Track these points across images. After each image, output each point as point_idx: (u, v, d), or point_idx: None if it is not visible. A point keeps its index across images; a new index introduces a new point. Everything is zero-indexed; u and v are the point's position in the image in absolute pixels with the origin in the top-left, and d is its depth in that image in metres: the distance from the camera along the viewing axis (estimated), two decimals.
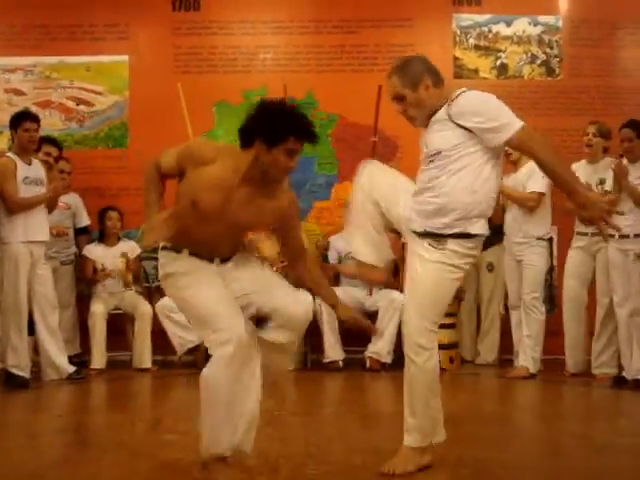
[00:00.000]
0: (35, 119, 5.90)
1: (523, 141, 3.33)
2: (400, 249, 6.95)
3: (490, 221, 6.51)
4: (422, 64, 3.52)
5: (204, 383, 3.13)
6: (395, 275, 6.97)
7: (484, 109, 3.32)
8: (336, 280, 7.03)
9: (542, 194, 6.21)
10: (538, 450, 3.85)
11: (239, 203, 3.20)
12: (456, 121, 3.32)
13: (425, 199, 3.38)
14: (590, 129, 6.20)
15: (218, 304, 3.16)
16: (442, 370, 6.39)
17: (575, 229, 6.26)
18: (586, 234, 6.15)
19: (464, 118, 3.31)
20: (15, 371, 5.64)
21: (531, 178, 6.19)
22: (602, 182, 6.12)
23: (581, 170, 6.14)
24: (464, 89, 3.45)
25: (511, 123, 3.31)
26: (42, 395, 5.55)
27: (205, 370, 3.15)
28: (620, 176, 5.77)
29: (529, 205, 6.20)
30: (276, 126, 3.16)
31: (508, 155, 6.29)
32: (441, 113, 3.39)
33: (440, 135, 3.38)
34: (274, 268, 6.79)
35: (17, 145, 5.86)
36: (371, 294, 6.71)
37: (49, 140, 6.43)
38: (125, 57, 7.53)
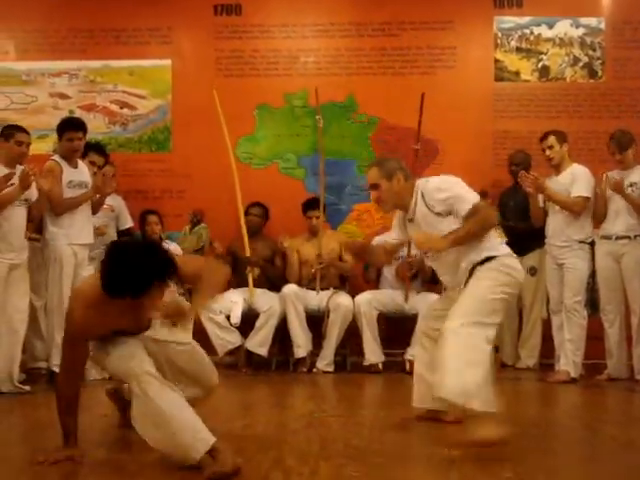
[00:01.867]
0: (79, 127, 5.95)
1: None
2: None
3: (532, 224, 6.55)
4: (397, 163, 4.40)
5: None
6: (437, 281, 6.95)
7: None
8: (377, 281, 7.05)
9: (588, 199, 6.17)
10: (580, 454, 3.82)
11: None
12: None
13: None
14: (612, 148, 6.17)
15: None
16: None
17: (600, 233, 6.22)
18: (610, 237, 6.12)
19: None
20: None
21: (576, 183, 6.16)
22: (632, 185, 6.08)
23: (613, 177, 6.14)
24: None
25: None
26: (86, 395, 5.56)
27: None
28: None
29: (575, 209, 6.15)
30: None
31: (550, 159, 6.27)
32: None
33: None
34: (312, 270, 6.83)
35: (61, 152, 5.95)
36: (407, 300, 6.69)
37: (96, 147, 6.50)
38: (168, 61, 7.62)
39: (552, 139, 6.25)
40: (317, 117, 7.17)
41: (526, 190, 6.32)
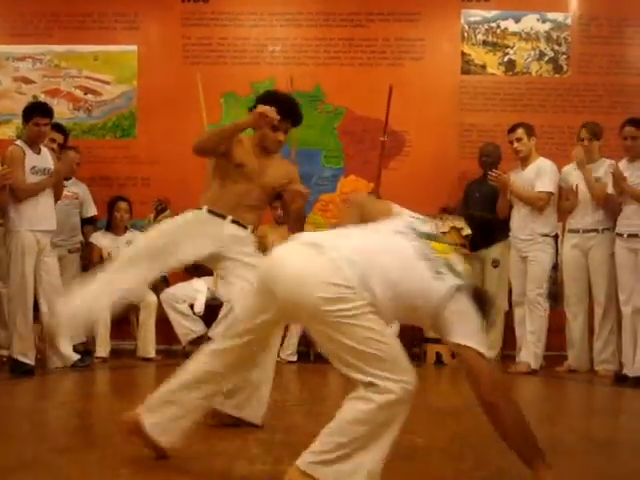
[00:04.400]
0: (47, 113, 5.87)
1: None
2: None
3: (496, 217, 6.60)
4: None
5: None
6: None
7: None
8: None
9: (551, 194, 6.23)
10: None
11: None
12: None
13: None
14: (584, 134, 6.20)
15: None
16: (443, 365, 6.47)
17: (567, 226, 6.30)
18: (578, 231, 6.19)
19: None
20: (21, 358, 5.68)
21: (539, 178, 6.21)
22: (597, 180, 6.15)
23: (575, 171, 6.20)
24: None
25: None
26: (47, 382, 5.59)
27: None
28: (619, 180, 5.81)
29: (538, 205, 6.21)
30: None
31: (518, 152, 6.31)
32: None
33: None
34: None
35: (26, 136, 5.87)
36: None
37: (55, 126, 6.41)
38: (134, 47, 7.56)
39: (521, 131, 6.29)
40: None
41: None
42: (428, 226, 2.99)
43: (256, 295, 2.94)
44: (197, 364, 3.16)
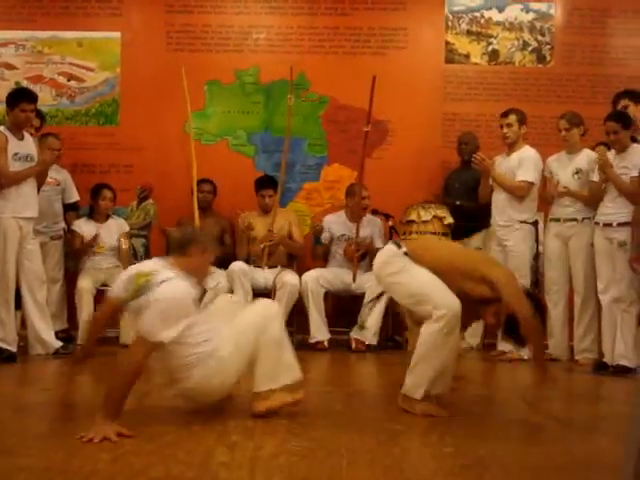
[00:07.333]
0: (33, 99, 5.83)
1: None
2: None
3: (478, 204, 6.61)
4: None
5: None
6: None
7: None
8: (325, 260, 7.07)
9: (532, 184, 6.25)
10: (520, 431, 3.90)
11: None
12: None
13: None
14: (562, 125, 6.23)
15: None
16: None
17: (549, 215, 6.34)
18: (559, 220, 6.23)
19: None
20: (2, 345, 5.65)
21: (522, 166, 6.23)
22: (578, 172, 6.18)
23: (557, 162, 6.25)
24: None
25: None
26: (29, 369, 5.57)
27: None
28: (605, 166, 5.82)
29: (518, 194, 6.24)
30: None
31: (506, 138, 6.32)
32: None
33: None
34: (261, 245, 6.82)
35: (11, 122, 5.82)
36: (354, 280, 6.72)
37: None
38: (117, 34, 7.52)
39: (513, 118, 6.30)
40: (289, 96, 7.06)
41: (477, 169, 6.42)
42: None
43: None
44: None
